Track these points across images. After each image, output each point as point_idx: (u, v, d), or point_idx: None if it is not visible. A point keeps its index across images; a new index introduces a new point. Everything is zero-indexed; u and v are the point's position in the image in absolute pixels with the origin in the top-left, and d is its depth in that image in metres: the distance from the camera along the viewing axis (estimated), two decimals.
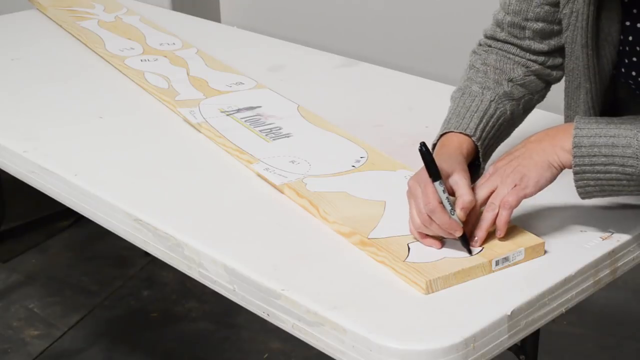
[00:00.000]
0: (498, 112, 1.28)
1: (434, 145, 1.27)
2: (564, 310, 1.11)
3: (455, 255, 1.12)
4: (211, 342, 2.31)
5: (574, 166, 1.12)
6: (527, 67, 1.32)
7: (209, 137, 1.55)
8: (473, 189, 1.16)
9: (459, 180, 1.15)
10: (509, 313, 1.02)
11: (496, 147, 1.30)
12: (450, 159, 1.18)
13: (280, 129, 1.55)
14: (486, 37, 1.36)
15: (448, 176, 1.15)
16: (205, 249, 1.19)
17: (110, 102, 1.76)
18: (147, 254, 1.38)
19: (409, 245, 1.15)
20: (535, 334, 1.41)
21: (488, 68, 1.32)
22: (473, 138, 1.24)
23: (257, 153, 1.45)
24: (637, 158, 1.08)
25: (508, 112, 1.29)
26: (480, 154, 1.25)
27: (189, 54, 2.00)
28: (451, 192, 1.15)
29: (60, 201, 1.47)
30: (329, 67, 1.96)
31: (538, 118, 1.40)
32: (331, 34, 3.05)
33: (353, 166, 1.39)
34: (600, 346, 2.25)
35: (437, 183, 1.12)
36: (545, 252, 1.14)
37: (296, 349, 2.24)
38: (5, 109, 1.75)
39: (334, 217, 1.23)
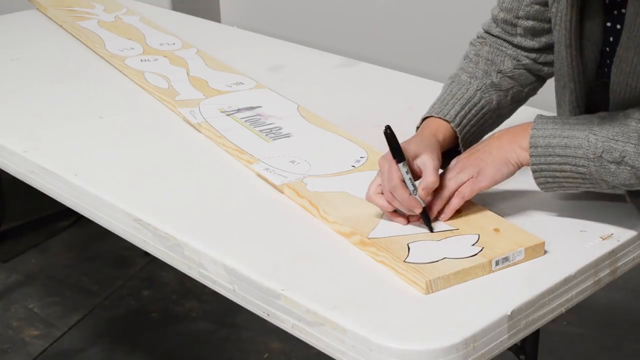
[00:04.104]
0: (483, 100, 1.32)
1: (417, 129, 1.32)
2: (564, 310, 1.11)
3: (455, 255, 1.12)
4: (211, 342, 2.31)
5: (532, 164, 1.16)
6: (518, 60, 1.36)
7: (209, 137, 1.55)
8: (443, 174, 1.22)
9: (426, 161, 1.20)
10: (509, 313, 1.02)
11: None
12: (422, 142, 1.23)
13: (280, 129, 1.55)
14: (483, 30, 1.40)
15: (415, 157, 1.21)
16: (205, 249, 1.19)
17: (110, 102, 1.76)
18: (147, 254, 1.38)
19: (409, 245, 1.15)
20: (535, 334, 1.41)
21: (480, 59, 1.36)
22: (452, 124, 1.29)
23: (257, 153, 1.45)
24: (587, 158, 1.12)
25: (494, 102, 1.33)
26: (460, 139, 1.30)
27: (189, 54, 2.00)
28: (419, 173, 1.21)
29: (60, 201, 1.47)
30: (329, 67, 1.96)
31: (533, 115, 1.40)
32: (331, 34, 3.05)
33: (353, 166, 1.39)
34: (600, 346, 2.25)
35: (400, 164, 1.18)
36: (545, 252, 1.14)
37: (296, 349, 2.24)
38: (6, 109, 1.75)
39: (334, 217, 1.23)
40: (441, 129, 1.29)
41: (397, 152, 1.19)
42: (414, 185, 1.18)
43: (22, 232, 2.84)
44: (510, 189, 1.30)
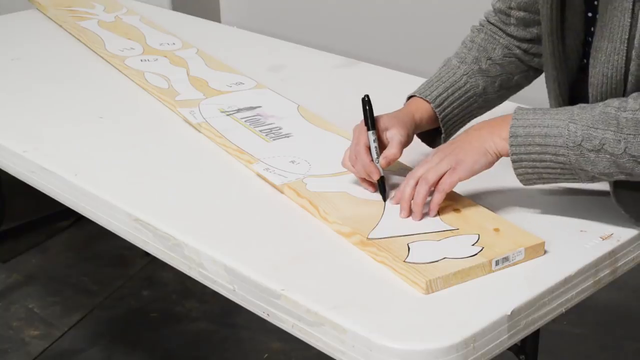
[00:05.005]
0: (468, 85, 1.37)
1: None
2: (564, 310, 1.11)
3: (455, 255, 1.12)
4: (211, 342, 2.31)
5: (511, 154, 1.16)
6: (509, 49, 1.40)
7: (209, 137, 1.55)
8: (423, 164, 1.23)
9: (394, 135, 1.29)
10: (509, 313, 1.02)
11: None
12: (395, 117, 1.31)
13: (280, 129, 1.55)
14: (484, 17, 1.44)
15: (385, 130, 1.29)
16: (205, 249, 1.19)
17: (110, 102, 1.76)
18: (147, 254, 1.38)
19: (409, 245, 1.15)
20: (535, 334, 1.41)
21: (474, 45, 1.40)
22: (432, 104, 1.34)
23: (257, 153, 1.45)
24: (567, 147, 1.12)
25: (480, 87, 1.38)
26: (440, 120, 1.35)
27: (189, 54, 2.00)
28: (386, 145, 1.29)
29: (60, 201, 1.47)
30: (329, 67, 1.96)
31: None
32: (331, 34, 3.05)
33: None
34: (600, 346, 2.25)
35: (370, 132, 1.28)
36: (545, 252, 1.14)
37: (296, 349, 2.24)
38: (5, 109, 1.75)
39: (334, 217, 1.23)
40: (421, 109, 1.34)
41: (369, 120, 1.28)
42: (377, 154, 1.27)
43: (22, 232, 2.84)
44: (510, 189, 1.30)
